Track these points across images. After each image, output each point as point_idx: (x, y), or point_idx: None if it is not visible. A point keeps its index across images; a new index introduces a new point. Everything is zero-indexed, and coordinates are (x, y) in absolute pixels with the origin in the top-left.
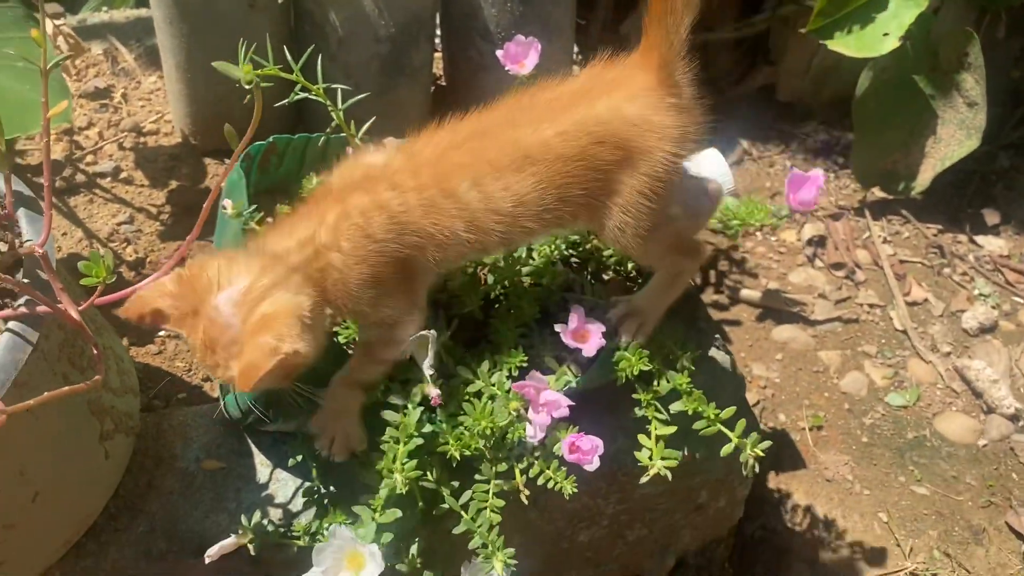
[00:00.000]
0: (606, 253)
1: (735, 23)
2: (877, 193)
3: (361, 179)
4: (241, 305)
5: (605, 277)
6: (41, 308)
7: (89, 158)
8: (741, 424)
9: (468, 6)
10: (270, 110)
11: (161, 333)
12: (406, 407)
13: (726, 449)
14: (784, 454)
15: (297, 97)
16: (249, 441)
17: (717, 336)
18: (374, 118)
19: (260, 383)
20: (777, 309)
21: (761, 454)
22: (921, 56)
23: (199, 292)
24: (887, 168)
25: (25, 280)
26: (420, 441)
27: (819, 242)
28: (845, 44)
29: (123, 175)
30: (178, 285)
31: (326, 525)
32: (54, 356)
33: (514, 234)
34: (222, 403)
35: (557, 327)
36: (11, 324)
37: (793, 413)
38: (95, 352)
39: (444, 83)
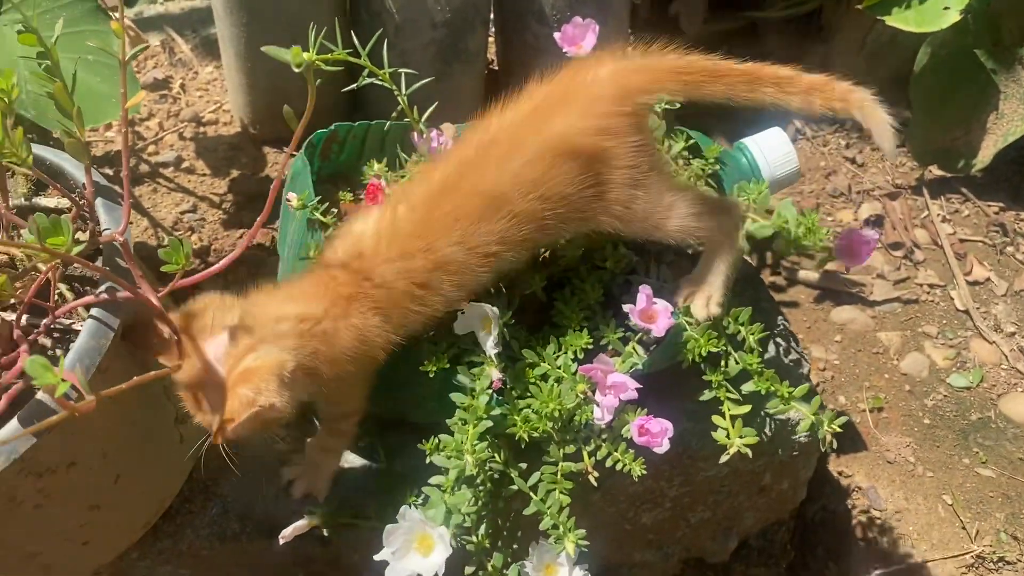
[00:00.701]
0: None
1: (784, 2)
2: (935, 171)
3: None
4: (229, 354)
5: (669, 261)
6: (122, 294)
7: (151, 148)
8: (816, 401)
9: None
10: (326, 99)
11: None
12: (474, 390)
13: (803, 425)
14: (844, 436)
15: (365, 82)
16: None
17: (781, 317)
18: (436, 104)
19: (236, 432)
20: (835, 290)
21: (839, 429)
22: (982, 30)
23: (195, 333)
24: (946, 145)
25: (106, 268)
26: (489, 423)
27: (876, 222)
28: (904, 19)
29: (185, 164)
30: (182, 320)
31: (396, 507)
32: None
33: (503, 262)
34: None
35: (625, 307)
36: (93, 311)
37: (853, 395)
38: (174, 337)
39: (497, 67)
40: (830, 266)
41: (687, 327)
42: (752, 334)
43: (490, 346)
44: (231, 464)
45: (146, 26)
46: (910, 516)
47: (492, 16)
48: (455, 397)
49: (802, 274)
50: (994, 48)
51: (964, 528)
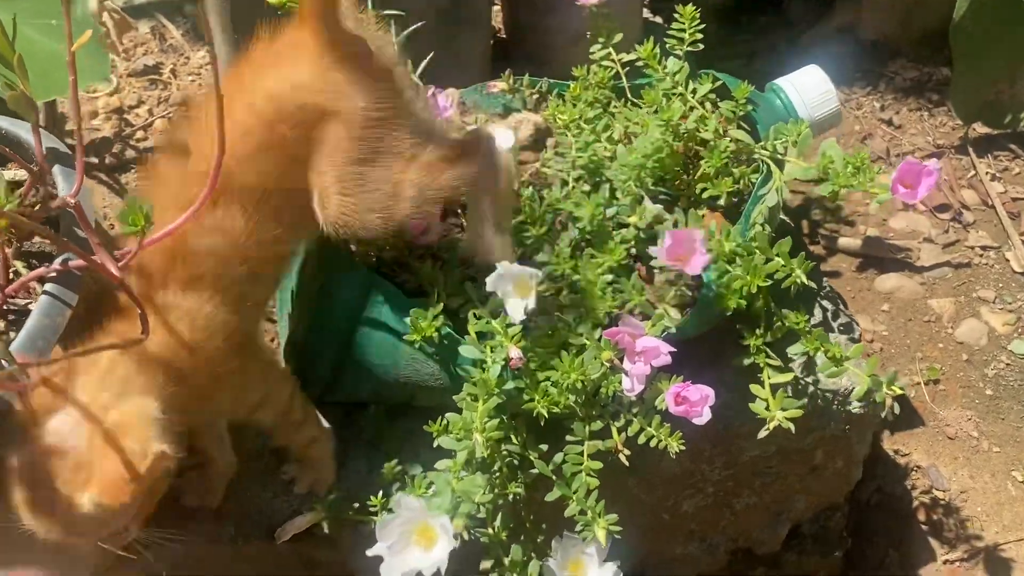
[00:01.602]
0: (698, 187)
1: None
2: (979, 129)
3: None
4: (81, 423)
5: (701, 213)
6: (75, 263)
7: (139, 134)
8: (873, 361)
9: None
10: None
11: None
12: (484, 362)
13: (858, 391)
14: (899, 411)
15: None
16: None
17: (824, 279)
18: (431, 63)
19: (131, 500)
20: (879, 257)
21: (901, 391)
22: None
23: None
24: (990, 100)
25: (56, 234)
26: (501, 399)
27: None
28: None
29: None
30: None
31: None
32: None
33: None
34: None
35: (651, 249)
36: (48, 286)
37: (906, 367)
38: (139, 310)
39: (504, 35)
40: (872, 231)
41: (729, 268)
42: (799, 267)
43: (520, 313)
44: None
45: (136, 14)
46: (977, 496)
47: None
48: (462, 371)
49: (842, 241)
50: None
51: None
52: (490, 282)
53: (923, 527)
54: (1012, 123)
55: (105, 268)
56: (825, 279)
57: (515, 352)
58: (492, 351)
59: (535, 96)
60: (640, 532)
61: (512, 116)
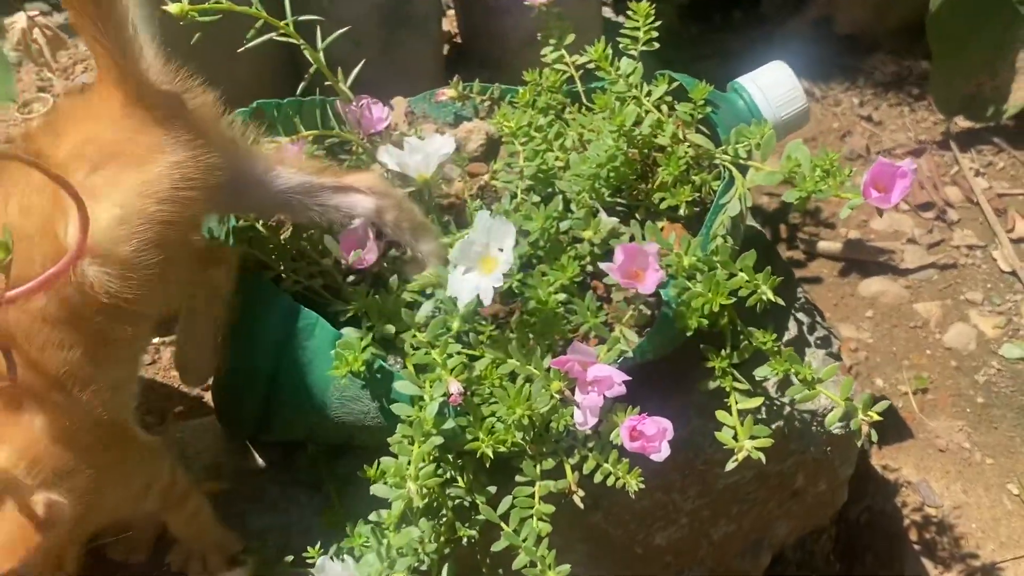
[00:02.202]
0: (656, 197)
1: None
2: (961, 123)
3: None
4: None
5: (660, 226)
6: None
7: None
8: (848, 383)
9: None
10: (267, 77)
11: (155, 340)
12: (421, 399)
13: (832, 417)
14: (887, 424)
15: (262, 39)
16: (256, 456)
17: (801, 289)
18: (363, 61)
19: (32, 554)
20: (862, 260)
21: (877, 417)
22: None
23: None
24: (971, 92)
25: None
26: (439, 440)
27: None
28: None
29: None
30: None
31: (343, 549)
32: None
33: None
34: (218, 417)
35: (603, 265)
36: None
37: (892, 376)
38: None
39: (459, 40)
40: (854, 234)
41: (690, 285)
42: (765, 283)
43: (489, 295)
44: None
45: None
46: (971, 511)
47: None
48: (396, 409)
49: (822, 245)
50: None
51: None
52: (456, 252)
53: (916, 546)
54: (995, 116)
55: None
56: (801, 289)
57: (455, 386)
58: (431, 385)
59: (487, 103)
60: (611, 567)
61: (462, 125)
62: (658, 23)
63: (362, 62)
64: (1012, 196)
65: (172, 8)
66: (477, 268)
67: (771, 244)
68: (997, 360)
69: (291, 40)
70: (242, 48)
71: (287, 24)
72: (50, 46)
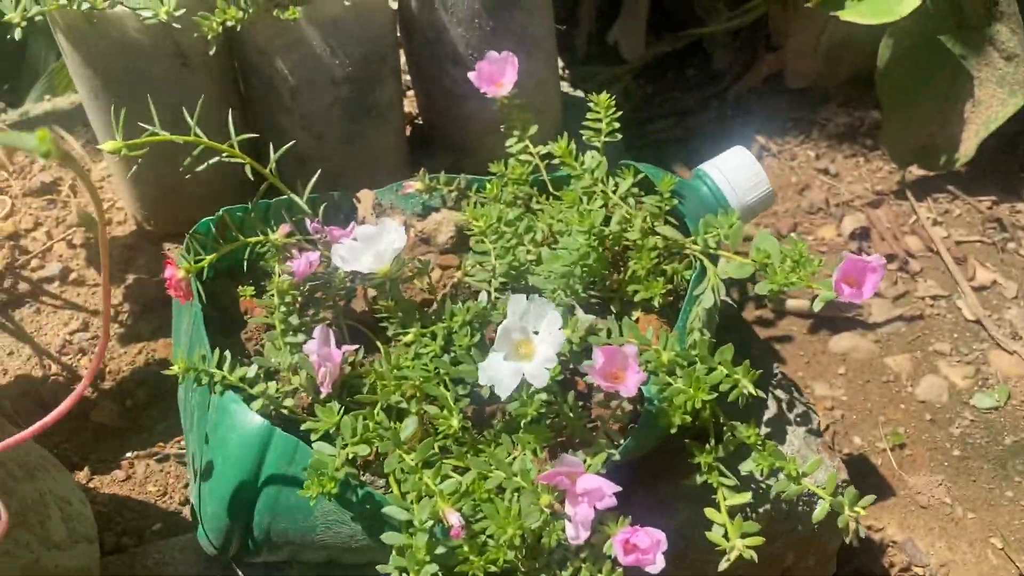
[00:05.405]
0: (630, 289)
1: (728, 12)
2: (916, 172)
3: None
4: None
5: (635, 317)
6: None
7: (34, 263)
8: (832, 477)
9: (431, 30)
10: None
11: (128, 454)
12: (411, 524)
13: (819, 514)
14: (868, 483)
15: (204, 165)
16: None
17: (776, 364)
18: (319, 171)
19: None
20: (830, 316)
21: (863, 512)
22: (944, 14)
23: None
24: (923, 143)
25: None
26: (434, 568)
27: (862, 234)
28: (859, 12)
29: (72, 276)
30: None
31: None
32: None
33: None
34: (196, 535)
35: (583, 366)
36: None
37: (869, 433)
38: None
39: (421, 121)
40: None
41: (671, 381)
42: (745, 377)
43: (542, 378)
44: None
45: (33, 126)
46: (957, 568)
47: (405, 65)
48: (386, 538)
49: (791, 303)
50: (959, 31)
51: (1022, 573)
52: (499, 337)
53: None
54: (947, 164)
55: None
56: (777, 364)
57: (455, 518)
58: (417, 504)
59: (454, 193)
60: None
61: (431, 216)
62: (619, 113)
63: (317, 174)
64: (970, 243)
65: (105, 147)
66: (514, 354)
67: (739, 314)
68: (969, 411)
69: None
70: (186, 174)
71: (230, 144)
72: (5, 149)
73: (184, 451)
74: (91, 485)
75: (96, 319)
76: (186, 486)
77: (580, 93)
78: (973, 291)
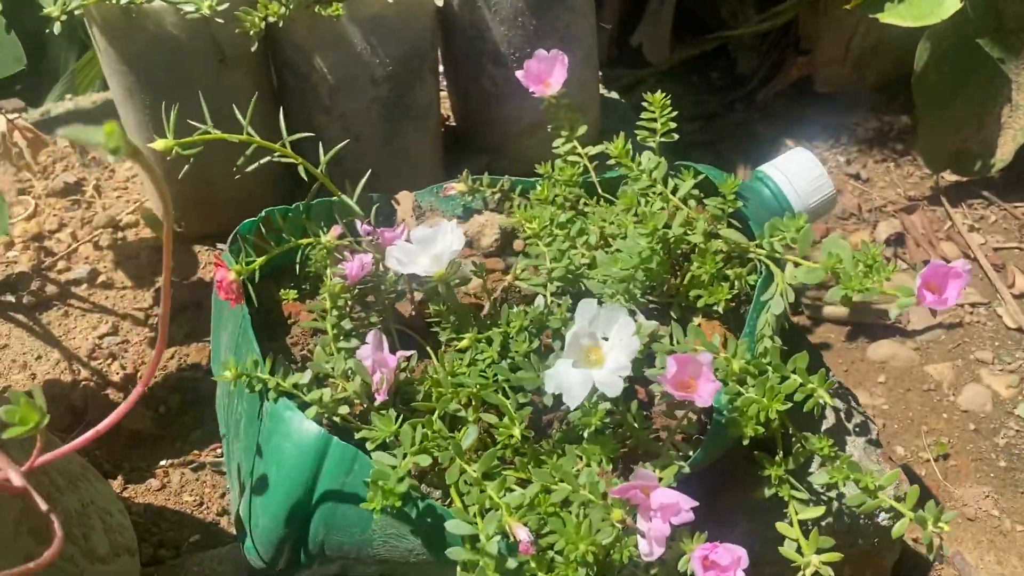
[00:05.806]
0: (692, 294)
1: (757, 16)
2: (949, 177)
3: None
4: None
5: (697, 323)
6: None
7: (60, 264)
8: (914, 492)
9: (473, 28)
10: (264, 182)
11: (163, 462)
12: (475, 539)
13: (899, 529)
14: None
15: (257, 164)
16: None
17: (830, 372)
18: (369, 172)
19: None
20: (868, 324)
21: (947, 528)
22: (983, 17)
23: None
24: (958, 147)
25: None
26: None
27: (897, 240)
28: (898, 14)
29: (101, 279)
30: None
31: None
32: (9, 533)
33: None
34: (242, 548)
35: (648, 372)
36: None
37: (912, 443)
38: (53, 522)
39: (454, 123)
40: (858, 297)
41: (742, 390)
42: (821, 386)
43: (615, 387)
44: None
45: (54, 126)
46: None
47: (441, 64)
48: (451, 553)
49: (828, 310)
50: (998, 35)
51: None
52: (568, 343)
53: None
54: (982, 170)
55: (6, 484)
56: (831, 373)
57: (523, 533)
58: (481, 518)
59: (496, 195)
60: None
61: (474, 219)
62: (674, 112)
63: (366, 175)
64: (1008, 250)
65: (156, 145)
66: (583, 361)
67: (796, 326)
68: (1014, 420)
69: (289, 159)
70: (237, 175)
71: (283, 144)
72: (30, 147)
73: (221, 459)
74: (125, 495)
75: (125, 323)
76: (223, 496)
77: (614, 95)
78: (1014, 299)
